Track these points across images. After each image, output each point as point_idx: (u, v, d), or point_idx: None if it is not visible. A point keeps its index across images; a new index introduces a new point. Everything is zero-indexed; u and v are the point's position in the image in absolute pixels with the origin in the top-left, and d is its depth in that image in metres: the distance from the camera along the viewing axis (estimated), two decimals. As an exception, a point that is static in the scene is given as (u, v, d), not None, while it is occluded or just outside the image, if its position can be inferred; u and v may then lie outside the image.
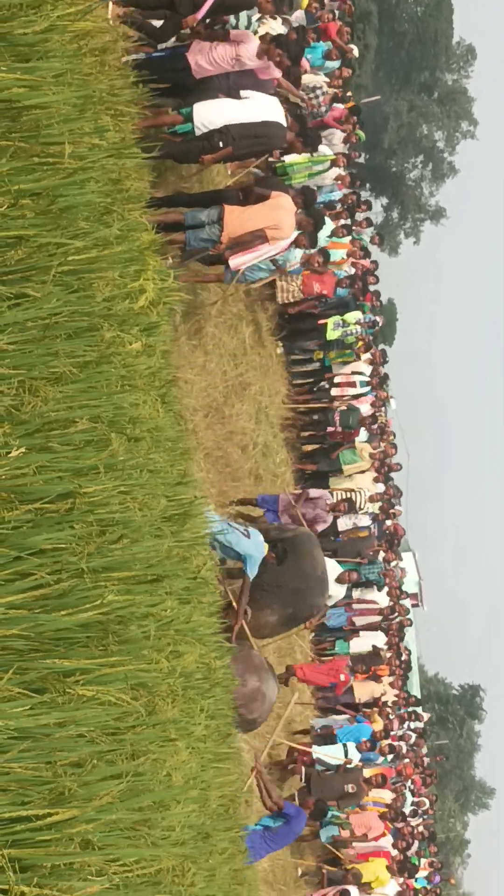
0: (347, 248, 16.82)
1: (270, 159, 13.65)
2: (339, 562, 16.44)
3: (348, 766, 14.46)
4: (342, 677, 15.27)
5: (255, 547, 10.67)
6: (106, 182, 5.92)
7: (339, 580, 15.21)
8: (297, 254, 13.29)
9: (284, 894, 13.42)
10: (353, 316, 16.69)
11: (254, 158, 12.04)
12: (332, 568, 14.76)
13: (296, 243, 11.69)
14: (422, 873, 18.42)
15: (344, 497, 16.37)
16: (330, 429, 16.66)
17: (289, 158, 13.94)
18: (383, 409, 19.87)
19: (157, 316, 6.90)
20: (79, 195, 4.69)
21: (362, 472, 17.23)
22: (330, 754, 14.47)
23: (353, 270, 17.00)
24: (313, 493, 15.24)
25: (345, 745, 14.66)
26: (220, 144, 9.81)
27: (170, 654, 5.79)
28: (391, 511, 19.02)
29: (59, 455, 3.77)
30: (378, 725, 15.76)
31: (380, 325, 19.14)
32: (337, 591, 15.31)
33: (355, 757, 14.62)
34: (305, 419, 17.04)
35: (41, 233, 3.89)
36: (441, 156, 61.92)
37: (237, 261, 10.52)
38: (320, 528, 15.02)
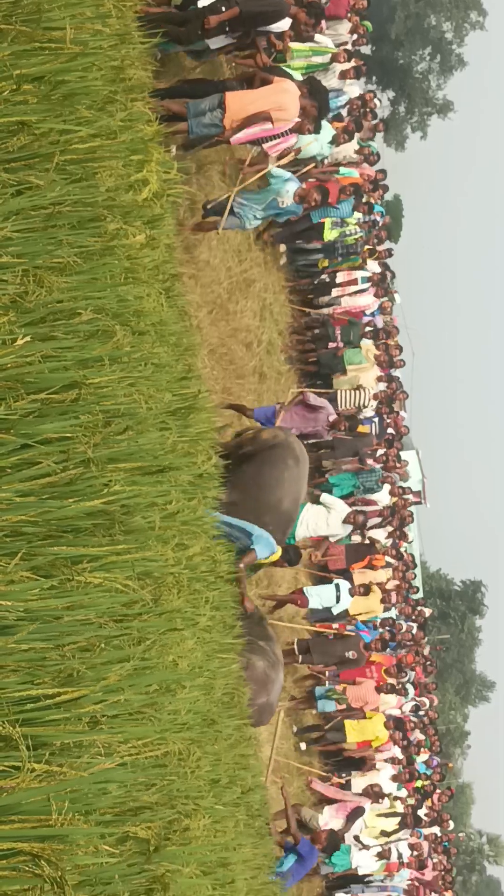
0: (359, 182, 16.45)
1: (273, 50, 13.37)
2: (335, 464, 16.41)
3: (344, 632, 14.61)
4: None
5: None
6: (108, 70, 5.82)
7: (347, 521, 14.96)
8: (292, 187, 13.08)
9: (288, 782, 13.76)
10: (353, 216, 16.35)
11: (256, 49, 11.75)
12: (341, 509, 14.69)
13: (299, 129, 11.49)
14: (422, 756, 18.77)
15: (349, 404, 16.22)
16: (332, 344, 16.48)
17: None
18: (390, 307, 19.70)
19: (160, 208, 6.84)
20: (81, 82, 4.62)
21: (366, 371, 17.18)
22: (322, 594, 14.41)
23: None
24: (313, 399, 14.56)
25: (337, 586, 14.60)
26: (223, 8, 9.65)
27: (175, 546, 5.87)
28: (393, 406, 18.93)
29: (64, 345, 3.77)
30: (376, 603, 15.71)
31: (380, 223, 18.81)
32: (342, 531, 15.09)
33: (346, 601, 14.55)
34: (307, 336, 16.81)
35: (43, 119, 3.84)
36: (449, 48, 60.45)
37: (238, 136, 10.38)
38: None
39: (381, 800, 14.87)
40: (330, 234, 16.28)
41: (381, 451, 17.67)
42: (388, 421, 18.69)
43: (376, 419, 17.48)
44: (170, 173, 7.24)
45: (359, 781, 14.97)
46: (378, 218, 18.70)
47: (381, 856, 14.60)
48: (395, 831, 15.00)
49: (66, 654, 3.24)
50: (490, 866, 70.03)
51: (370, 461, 16.95)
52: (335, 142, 15.29)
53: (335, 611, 14.61)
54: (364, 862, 14.41)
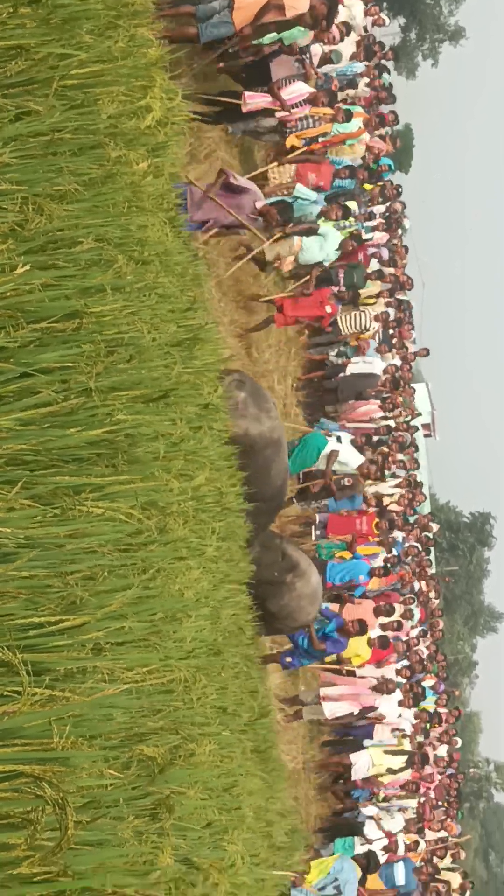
0: (363, 117, 16.09)
1: None
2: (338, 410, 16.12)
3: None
4: (328, 309, 14.54)
5: None
6: (109, -8, 5.72)
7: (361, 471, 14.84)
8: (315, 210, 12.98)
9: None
10: (350, 205, 15.35)
11: None
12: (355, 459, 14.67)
13: (313, 101, 11.44)
14: (428, 682, 18.84)
15: (351, 327, 16.00)
16: (334, 288, 16.17)
17: None
18: (399, 232, 19.46)
19: (164, 136, 6.76)
20: (81, 5, 4.55)
21: (373, 299, 16.98)
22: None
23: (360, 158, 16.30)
24: (237, 180, 12.19)
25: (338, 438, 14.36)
26: None
27: (180, 476, 5.88)
28: (400, 332, 18.63)
29: (65, 274, 3.75)
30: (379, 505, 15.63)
31: (381, 214, 18.16)
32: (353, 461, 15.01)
33: (332, 252, 14.18)
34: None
35: (42, 43, 3.78)
36: (461, -29, 59.38)
37: (253, 102, 10.38)
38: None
39: (391, 689, 14.70)
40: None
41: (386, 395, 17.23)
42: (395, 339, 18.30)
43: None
44: (174, 100, 7.14)
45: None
46: (386, 172, 18.29)
47: (386, 849, 14.60)
48: (403, 769, 15.11)
49: (69, 581, 3.26)
50: (497, 793, 71.19)
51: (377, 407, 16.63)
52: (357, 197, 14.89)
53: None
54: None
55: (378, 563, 14.98)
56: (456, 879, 18.06)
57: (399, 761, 15.10)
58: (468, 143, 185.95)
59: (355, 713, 14.36)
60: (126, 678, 3.84)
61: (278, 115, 12.50)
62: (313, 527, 15.15)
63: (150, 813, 3.95)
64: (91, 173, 4.48)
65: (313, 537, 15.00)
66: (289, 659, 12.69)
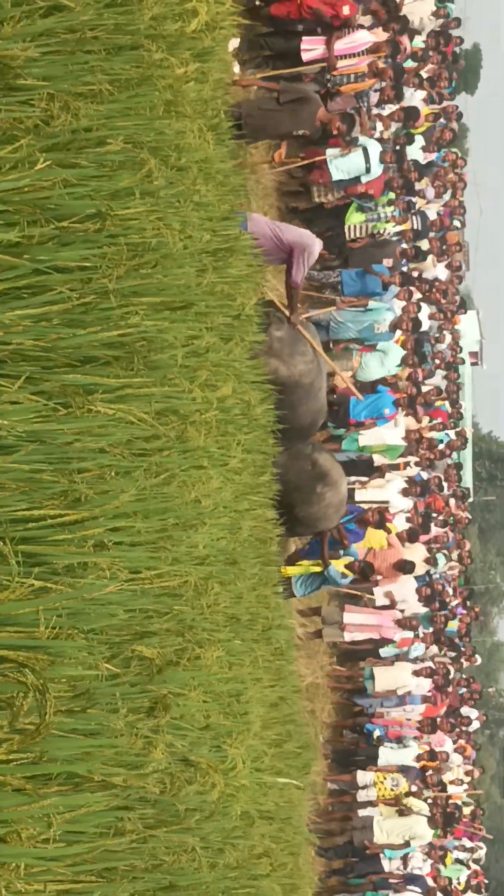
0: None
1: None
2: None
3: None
4: (346, 9, 12.27)
5: None
6: None
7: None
8: (389, 317, 12.66)
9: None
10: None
11: None
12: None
13: (376, 50, 11.19)
14: (454, 602, 18.51)
15: None
16: None
17: None
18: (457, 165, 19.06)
19: (211, 41, 6.67)
20: None
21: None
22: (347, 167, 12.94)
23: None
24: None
25: (365, 151, 12.91)
26: None
27: (205, 386, 5.89)
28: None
29: (90, 174, 3.74)
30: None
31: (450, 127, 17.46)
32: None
33: (377, 168, 13.02)
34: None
35: None
36: None
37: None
38: None
39: (415, 626, 14.71)
40: (355, 218, 13.78)
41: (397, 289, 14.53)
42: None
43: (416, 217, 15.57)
44: (224, 3, 7.04)
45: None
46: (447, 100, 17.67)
47: (404, 858, 14.64)
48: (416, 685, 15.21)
49: (74, 478, 3.30)
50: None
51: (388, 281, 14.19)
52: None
53: (364, 179, 13.16)
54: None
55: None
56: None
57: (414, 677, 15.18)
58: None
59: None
60: (130, 578, 3.91)
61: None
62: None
63: (146, 710, 4.05)
64: (126, 74, 4.43)
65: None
66: (307, 548, 12.67)
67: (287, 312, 10.25)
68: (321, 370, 10.64)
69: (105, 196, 3.89)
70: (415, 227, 15.45)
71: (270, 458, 9.17)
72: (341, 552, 12.52)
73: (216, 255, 6.68)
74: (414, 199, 15.69)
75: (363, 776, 14.54)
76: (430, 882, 15.04)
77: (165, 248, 4.76)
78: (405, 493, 15.08)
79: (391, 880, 14.40)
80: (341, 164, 12.93)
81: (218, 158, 7.20)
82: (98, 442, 3.59)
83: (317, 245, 10.25)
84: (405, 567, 13.68)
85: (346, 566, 12.48)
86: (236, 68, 10.96)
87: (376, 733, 14.95)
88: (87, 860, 2.98)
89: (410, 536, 14.24)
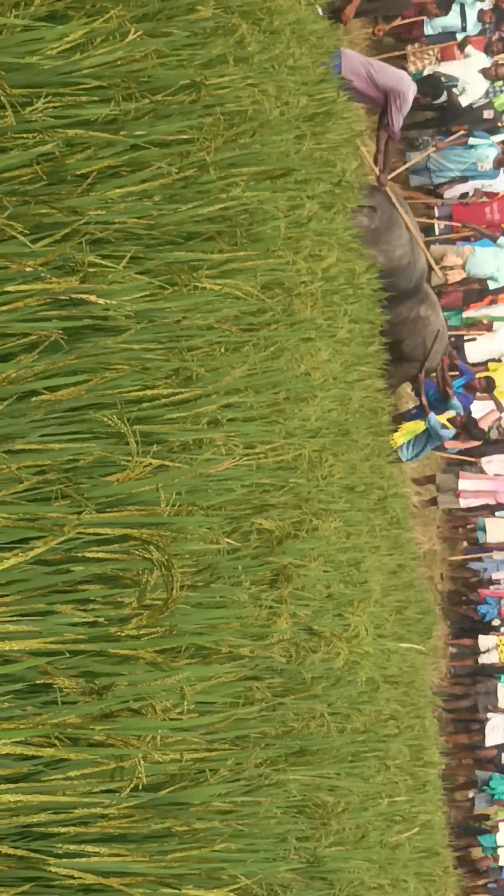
0: None
1: None
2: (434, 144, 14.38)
3: None
4: None
5: None
6: None
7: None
8: (493, 153, 11.89)
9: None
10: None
11: None
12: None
13: None
14: None
15: None
16: None
17: None
18: None
19: None
20: None
21: None
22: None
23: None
24: None
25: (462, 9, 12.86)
26: None
27: (309, 256, 5.81)
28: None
29: (182, 42, 3.65)
30: None
31: None
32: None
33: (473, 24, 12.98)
34: None
35: None
36: None
37: None
38: None
39: None
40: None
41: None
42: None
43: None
44: None
45: None
46: None
47: None
48: None
49: (184, 356, 3.29)
50: None
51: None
52: None
53: (459, 37, 13.01)
54: None
55: None
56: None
57: None
58: None
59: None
60: (245, 453, 3.92)
61: None
62: (436, 221, 13.70)
63: (269, 582, 4.10)
64: None
65: (437, 232, 13.78)
66: (414, 412, 12.55)
67: (377, 170, 9.95)
68: (413, 242, 10.43)
69: (199, 65, 3.80)
70: None
71: (377, 327, 9.07)
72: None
73: (314, 119, 6.52)
74: None
75: (485, 640, 14.61)
76: None
77: (262, 115, 4.66)
78: None
79: None
80: (437, 22, 12.64)
81: (310, 20, 6.98)
82: (206, 319, 3.58)
83: (412, 89, 9.85)
84: None
85: (449, 420, 12.33)
86: None
87: (494, 621, 14.94)
88: (219, 729, 3.05)
89: None
